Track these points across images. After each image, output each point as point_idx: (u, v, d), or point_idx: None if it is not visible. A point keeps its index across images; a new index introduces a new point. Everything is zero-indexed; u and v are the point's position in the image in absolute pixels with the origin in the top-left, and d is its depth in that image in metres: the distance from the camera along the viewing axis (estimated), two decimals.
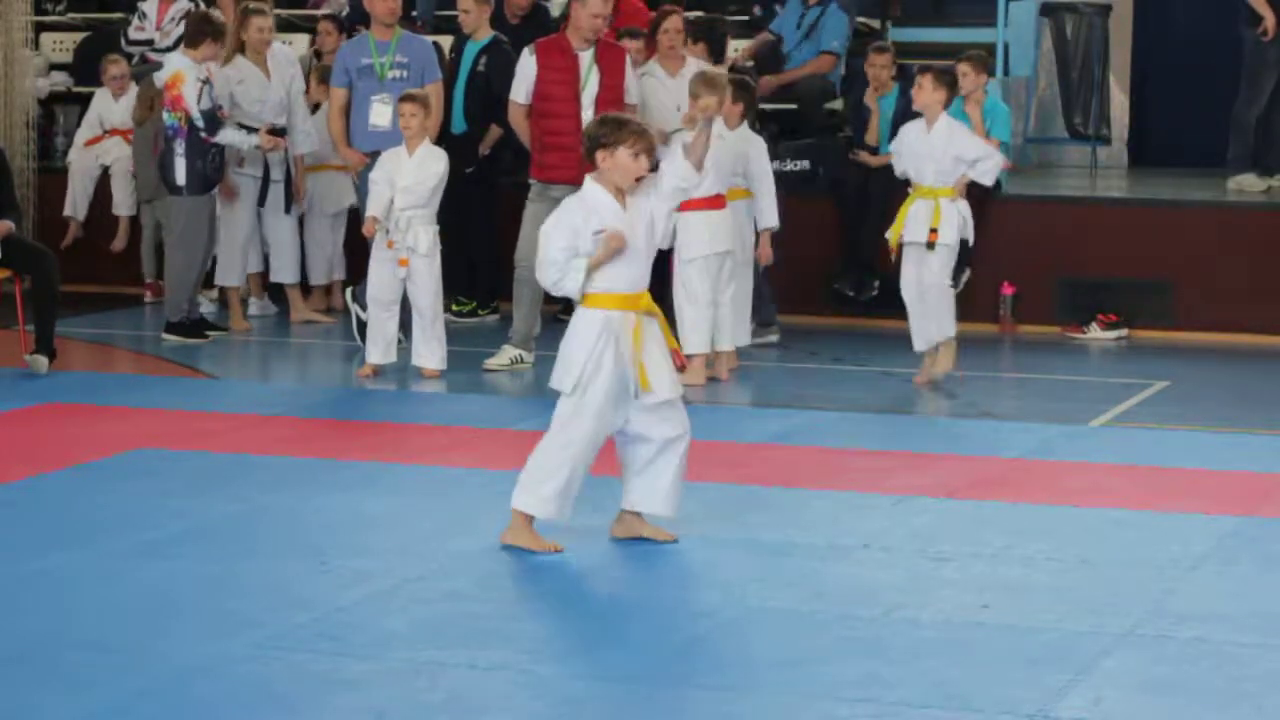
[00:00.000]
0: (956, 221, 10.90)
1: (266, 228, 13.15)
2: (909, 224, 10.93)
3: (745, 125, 11.44)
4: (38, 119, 15.28)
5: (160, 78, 12.48)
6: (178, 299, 12.38)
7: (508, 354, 11.45)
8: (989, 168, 11.00)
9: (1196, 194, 13.96)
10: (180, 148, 12.16)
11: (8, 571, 7.08)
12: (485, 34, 13.27)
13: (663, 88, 11.78)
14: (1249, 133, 14.00)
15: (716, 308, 11.07)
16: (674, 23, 11.81)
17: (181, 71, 12.13)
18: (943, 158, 10.88)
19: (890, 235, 11.04)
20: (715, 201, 10.90)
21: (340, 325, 12.87)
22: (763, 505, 8.25)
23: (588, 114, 11.28)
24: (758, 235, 11.62)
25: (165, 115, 12.26)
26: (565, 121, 11.26)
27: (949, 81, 11.04)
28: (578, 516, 7.84)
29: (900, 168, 11.16)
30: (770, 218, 11.49)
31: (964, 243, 11.03)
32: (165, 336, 12.35)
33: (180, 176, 12.18)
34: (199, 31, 12.28)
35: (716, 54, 12.67)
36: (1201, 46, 15.52)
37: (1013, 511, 8.21)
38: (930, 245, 10.86)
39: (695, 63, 11.82)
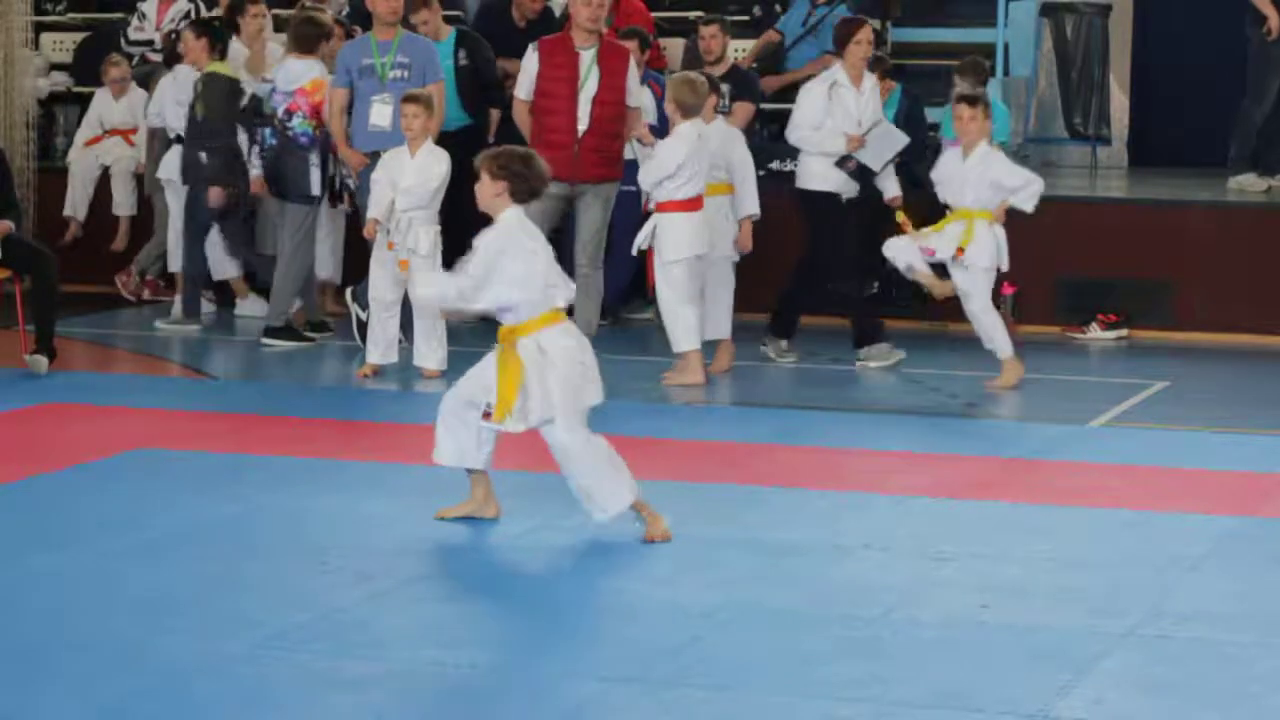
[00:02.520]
0: (990, 245, 10.90)
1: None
2: (938, 236, 10.93)
3: (720, 120, 11.42)
4: (38, 119, 15.28)
5: (287, 81, 12.36)
6: (283, 305, 12.31)
7: None
8: (1030, 194, 10.98)
9: (1196, 194, 13.96)
10: (315, 157, 12.14)
11: (8, 571, 7.09)
12: (447, 31, 13.31)
13: (850, 97, 11.63)
14: (1253, 133, 13.98)
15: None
16: (867, 33, 11.71)
17: (322, 79, 12.11)
18: (979, 183, 10.88)
19: (913, 229, 11.01)
20: (694, 203, 10.88)
21: (340, 325, 12.88)
22: (763, 505, 8.25)
23: (584, 112, 11.30)
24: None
25: (297, 121, 12.18)
26: (561, 119, 11.26)
27: (986, 109, 11.06)
28: (577, 517, 7.84)
29: (942, 195, 11.18)
30: (751, 205, 11.41)
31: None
32: (266, 342, 12.22)
33: (316, 186, 12.17)
34: (312, 36, 12.25)
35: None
36: (1201, 46, 15.52)
37: (1013, 511, 8.21)
38: (954, 259, 10.87)
39: (872, 77, 11.73)
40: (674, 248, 10.85)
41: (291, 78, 12.19)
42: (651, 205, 11.02)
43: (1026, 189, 10.97)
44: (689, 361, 10.98)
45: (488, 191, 7.60)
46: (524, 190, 7.61)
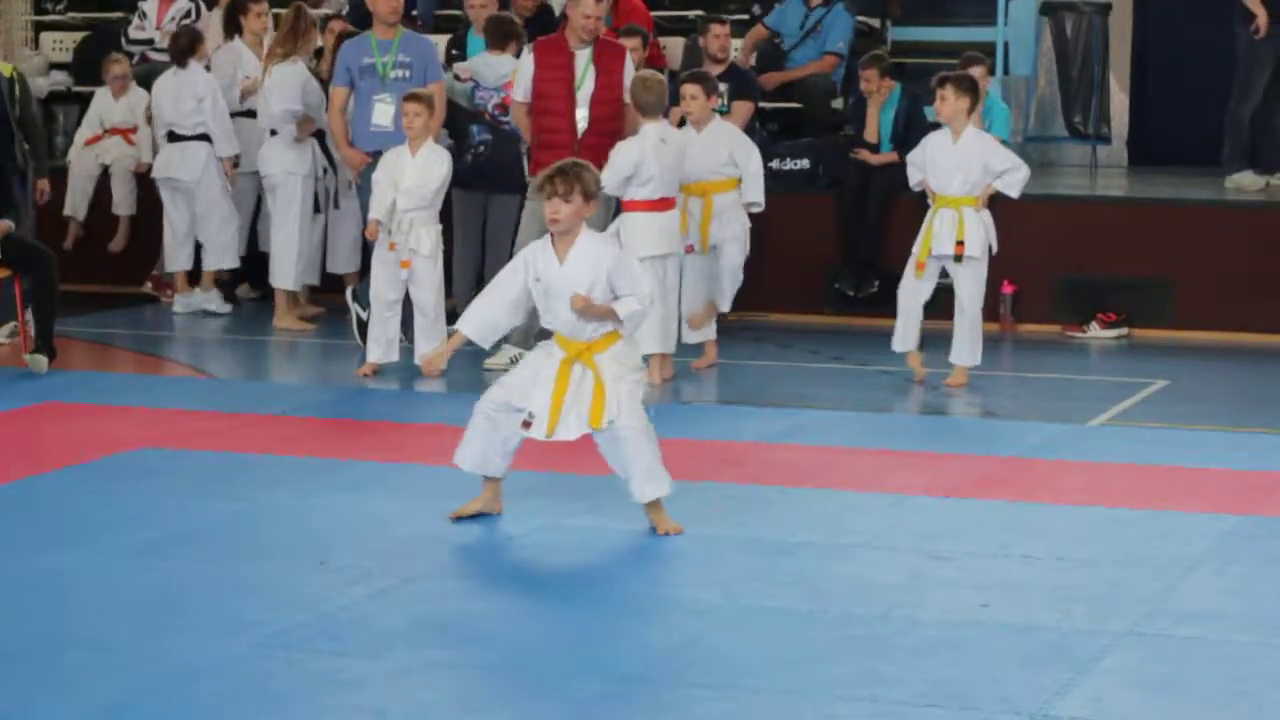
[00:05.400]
0: (982, 233, 10.89)
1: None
2: (936, 237, 10.91)
3: (717, 119, 11.40)
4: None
5: (496, 79, 12.40)
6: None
7: (507, 354, 11.45)
8: (1017, 179, 10.96)
9: (1196, 193, 13.96)
10: (524, 147, 12.24)
11: (8, 571, 7.09)
12: None
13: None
14: (1244, 130, 14.01)
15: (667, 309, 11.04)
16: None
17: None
18: (972, 167, 10.86)
19: (919, 250, 10.99)
20: (661, 204, 10.88)
21: (338, 324, 12.89)
22: (763, 504, 8.25)
23: (582, 113, 11.30)
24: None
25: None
26: (560, 120, 11.25)
27: (970, 88, 11.00)
28: (576, 517, 7.85)
29: (916, 179, 11.12)
30: (752, 193, 11.33)
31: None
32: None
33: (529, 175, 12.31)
34: (505, 33, 12.49)
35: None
36: (1201, 45, 15.52)
37: (1012, 510, 8.21)
38: (957, 258, 10.85)
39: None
40: (633, 247, 10.82)
41: (499, 74, 12.33)
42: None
43: (1014, 173, 10.96)
44: (650, 364, 10.95)
45: (581, 213, 7.58)
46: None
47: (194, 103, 13.27)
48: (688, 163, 11.12)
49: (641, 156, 10.73)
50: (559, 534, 7.66)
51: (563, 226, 7.57)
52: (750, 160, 11.33)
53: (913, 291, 11.02)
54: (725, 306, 11.58)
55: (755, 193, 11.34)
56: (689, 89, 11.31)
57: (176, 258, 13.59)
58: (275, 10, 13.85)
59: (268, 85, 12.89)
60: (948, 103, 10.87)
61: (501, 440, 7.73)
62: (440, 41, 13.59)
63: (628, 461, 7.63)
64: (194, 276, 13.66)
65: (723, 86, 13.13)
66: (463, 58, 13.35)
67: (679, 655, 6.20)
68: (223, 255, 13.48)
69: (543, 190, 7.56)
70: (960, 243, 10.84)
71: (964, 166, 10.87)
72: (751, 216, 11.55)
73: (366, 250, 12.02)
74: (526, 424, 7.60)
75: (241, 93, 13.60)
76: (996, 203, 11.23)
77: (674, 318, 11.20)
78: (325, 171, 13.13)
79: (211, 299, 13.55)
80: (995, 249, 11.03)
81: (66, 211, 14.60)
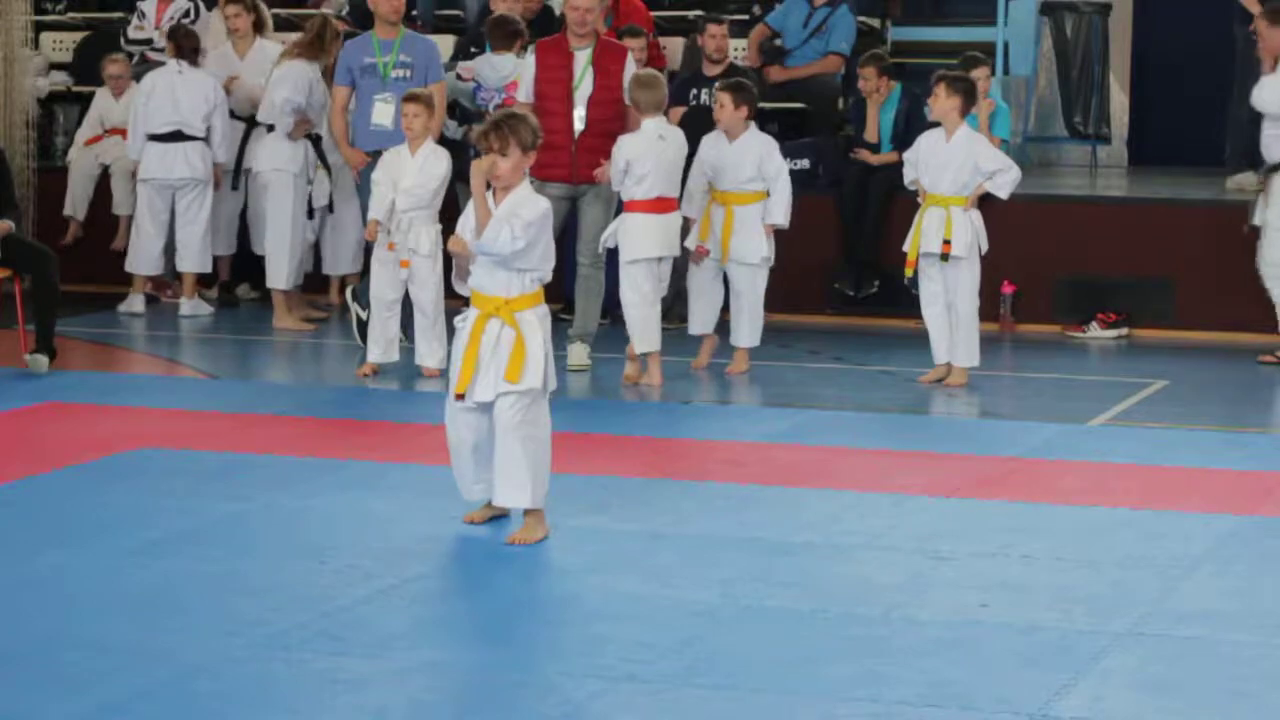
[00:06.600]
0: (970, 233, 10.88)
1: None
2: (924, 235, 10.91)
3: (753, 128, 11.35)
4: (38, 119, 15.27)
5: (497, 79, 12.48)
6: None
7: (582, 351, 11.45)
8: (1006, 181, 10.95)
9: (1196, 193, 13.96)
10: None
11: (8, 571, 7.09)
12: None
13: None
14: (1245, 131, 14.00)
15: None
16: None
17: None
18: (961, 167, 10.86)
19: (909, 249, 11.00)
20: (659, 204, 10.88)
21: (338, 324, 12.90)
22: (763, 504, 8.25)
23: (579, 113, 11.30)
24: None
25: None
26: (558, 120, 11.24)
27: (964, 89, 10.98)
28: (576, 517, 7.85)
29: (911, 177, 11.13)
30: (775, 214, 11.27)
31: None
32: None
33: None
34: (509, 33, 12.60)
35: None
36: (1201, 46, 15.53)
37: (1012, 510, 8.21)
38: (944, 256, 10.84)
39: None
40: (631, 248, 10.88)
41: (501, 74, 12.38)
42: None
43: (1004, 174, 10.95)
44: (649, 363, 10.98)
45: (520, 165, 7.59)
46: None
47: (206, 107, 13.29)
48: (715, 171, 11.11)
49: (637, 152, 10.76)
50: (559, 534, 7.66)
51: (504, 182, 7.58)
52: (779, 178, 11.16)
53: (929, 300, 11.01)
54: (744, 341, 11.41)
55: (779, 214, 11.17)
56: (718, 96, 11.30)
57: (153, 259, 13.60)
58: (290, 12, 13.83)
59: (276, 75, 12.87)
60: (939, 100, 10.90)
61: (478, 461, 7.71)
62: (441, 41, 13.59)
63: (496, 459, 7.56)
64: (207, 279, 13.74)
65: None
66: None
67: (678, 656, 6.20)
68: (201, 259, 13.51)
69: (479, 147, 7.59)
70: (947, 242, 10.85)
71: (954, 166, 10.88)
72: None
73: (368, 251, 12.03)
74: (460, 395, 7.57)
75: (225, 90, 13.62)
76: (998, 204, 11.23)
77: (743, 314, 11.27)
78: (317, 168, 13.10)
79: (199, 306, 13.53)
80: (985, 248, 11.04)
81: (66, 211, 14.61)
